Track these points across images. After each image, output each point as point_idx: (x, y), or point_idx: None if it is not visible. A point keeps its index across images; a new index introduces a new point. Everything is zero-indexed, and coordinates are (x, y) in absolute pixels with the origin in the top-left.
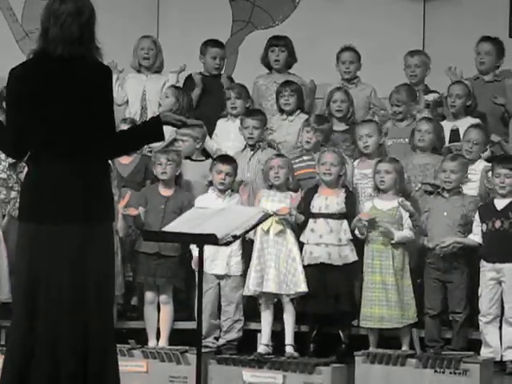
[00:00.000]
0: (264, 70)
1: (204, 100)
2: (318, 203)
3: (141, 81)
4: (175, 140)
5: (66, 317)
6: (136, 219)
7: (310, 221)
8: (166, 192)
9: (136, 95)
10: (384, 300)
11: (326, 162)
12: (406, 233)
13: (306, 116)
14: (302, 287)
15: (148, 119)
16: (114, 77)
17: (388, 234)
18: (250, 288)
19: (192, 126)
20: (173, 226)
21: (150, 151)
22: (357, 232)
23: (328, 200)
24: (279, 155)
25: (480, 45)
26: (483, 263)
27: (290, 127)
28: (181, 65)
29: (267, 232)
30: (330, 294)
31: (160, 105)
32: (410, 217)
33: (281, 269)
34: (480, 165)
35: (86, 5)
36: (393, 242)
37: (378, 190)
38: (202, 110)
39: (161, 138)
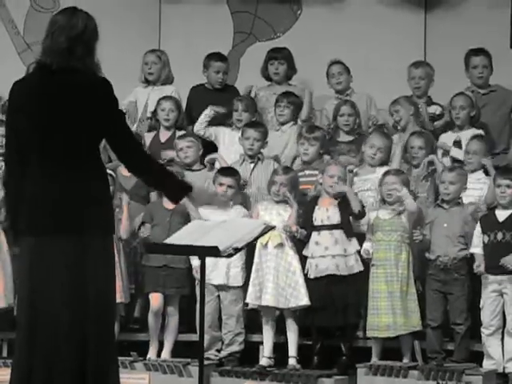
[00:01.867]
0: (265, 82)
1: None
2: (320, 215)
3: (145, 93)
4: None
5: (65, 331)
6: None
7: (314, 234)
8: (169, 205)
9: (140, 107)
10: (390, 308)
11: (334, 175)
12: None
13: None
14: (305, 300)
15: (182, 180)
16: None
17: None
18: (248, 301)
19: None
20: (175, 239)
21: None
22: (363, 253)
23: (329, 211)
24: (286, 171)
25: (474, 59)
26: (485, 275)
27: (280, 138)
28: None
29: (266, 245)
30: (339, 307)
31: (155, 114)
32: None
33: (279, 282)
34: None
35: (81, 20)
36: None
37: (383, 201)
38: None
39: (175, 201)
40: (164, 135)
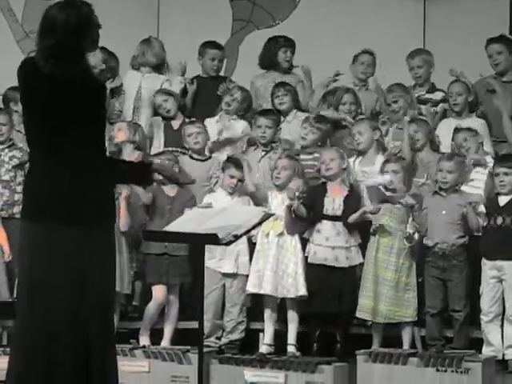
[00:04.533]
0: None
1: (201, 101)
2: (326, 205)
3: (137, 79)
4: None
5: (68, 320)
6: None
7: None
8: (170, 192)
9: (131, 93)
10: (380, 295)
11: (325, 159)
12: (416, 235)
13: (304, 114)
14: (303, 291)
15: (139, 163)
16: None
17: (409, 238)
18: (248, 289)
19: (183, 184)
20: (174, 226)
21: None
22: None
23: (335, 202)
24: (288, 156)
25: (490, 47)
26: (484, 261)
27: (289, 128)
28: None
29: (267, 234)
30: (334, 294)
31: (157, 105)
32: (412, 207)
33: (279, 271)
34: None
35: (67, 16)
36: (410, 244)
37: (386, 189)
38: (199, 111)
39: (149, 183)
40: (175, 123)
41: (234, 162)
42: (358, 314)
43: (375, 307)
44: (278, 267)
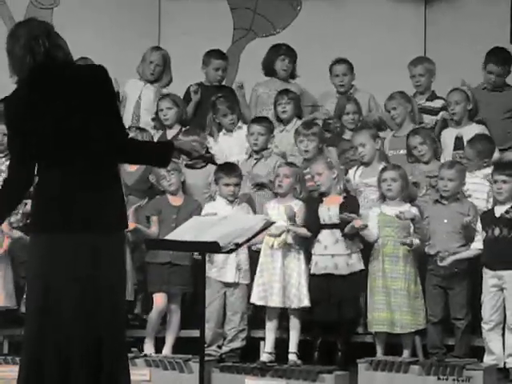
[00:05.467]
0: (264, 78)
1: (202, 109)
2: (322, 214)
3: (137, 88)
4: None
5: (79, 327)
6: (136, 232)
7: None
8: (176, 201)
9: (131, 100)
10: (394, 305)
11: (313, 174)
12: (417, 240)
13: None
14: (305, 302)
15: (160, 142)
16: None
17: (409, 245)
18: (254, 302)
19: (201, 159)
20: (175, 235)
21: None
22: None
23: (331, 211)
24: (289, 163)
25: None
26: (485, 270)
27: (288, 138)
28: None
29: (272, 245)
30: (335, 302)
31: (156, 115)
32: (412, 220)
33: (285, 283)
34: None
35: (22, 29)
36: (410, 248)
37: (384, 198)
38: (199, 119)
39: (166, 164)
40: (170, 133)
41: (224, 169)
42: (375, 328)
43: (391, 319)
44: (284, 279)
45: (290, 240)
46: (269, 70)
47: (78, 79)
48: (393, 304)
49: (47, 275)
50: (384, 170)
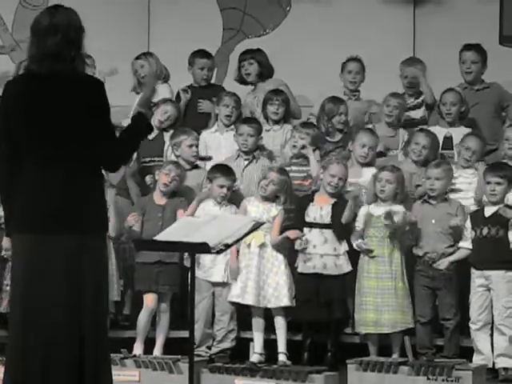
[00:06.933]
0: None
1: (191, 110)
2: (313, 213)
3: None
4: None
5: (60, 329)
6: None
7: (305, 230)
8: (160, 200)
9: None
10: (382, 305)
11: (336, 175)
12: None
13: (290, 126)
14: (284, 301)
15: (132, 119)
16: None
17: (388, 216)
18: (231, 299)
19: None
20: (165, 235)
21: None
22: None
23: (323, 210)
24: (280, 170)
25: (464, 54)
26: (472, 270)
27: (275, 138)
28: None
29: (249, 245)
30: (323, 302)
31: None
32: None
33: (260, 282)
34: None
35: (63, 18)
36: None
37: (376, 198)
38: (189, 121)
39: (151, 128)
40: (167, 135)
41: (221, 170)
42: (361, 329)
43: (378, 319)
44: (259, 278)
45: (267, 241)
46: (240, 80)
47: (75, 84)
48: (380, 304)
49: (29, 277)
50: (381, 170)
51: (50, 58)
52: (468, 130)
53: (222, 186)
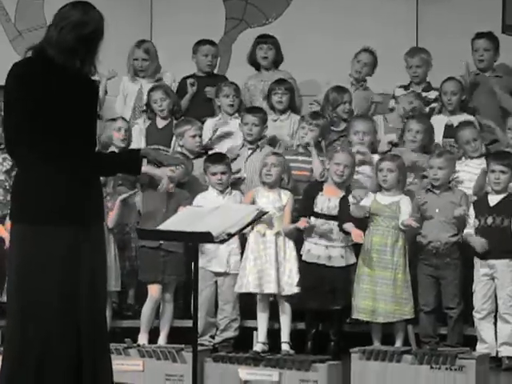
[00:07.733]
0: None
1: (196, 100)
2: (321, 203)
3: (137, 83)
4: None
5: (58, 318)
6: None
7: (312, 218)
8: (163, 195)
9: (131, 93)
10: (379, 294)
11: (341, 163)
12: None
13: (297, 116)
14: (295, 289)
15: (130, 150)
16: None
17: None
18: (251, 290)
19: (170, 165)
20: (168, 224)
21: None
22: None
23: (331, 202)
24: (275, 153)
25: (476, 42)
26: (476, 259)
27: (281, 128)
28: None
29: (264, 234)
30: (327, 291)
31: (149, 107)
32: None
33: (280, 270)
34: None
35: (92, 19)
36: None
37: (380, 187)
38: (193, 110)
39: (137, 172)
40: (161, 122)
41: (210, 159)
42: (357, 316)
43: (374, 307)
44: (278, 265)
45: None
46: (253, 62)
47: (82, 83)
48: (378, 293)
49: (27, 266)
50: (382, 159)
51: (67, 51)
52: (470, 118)
53: (214, 174)
